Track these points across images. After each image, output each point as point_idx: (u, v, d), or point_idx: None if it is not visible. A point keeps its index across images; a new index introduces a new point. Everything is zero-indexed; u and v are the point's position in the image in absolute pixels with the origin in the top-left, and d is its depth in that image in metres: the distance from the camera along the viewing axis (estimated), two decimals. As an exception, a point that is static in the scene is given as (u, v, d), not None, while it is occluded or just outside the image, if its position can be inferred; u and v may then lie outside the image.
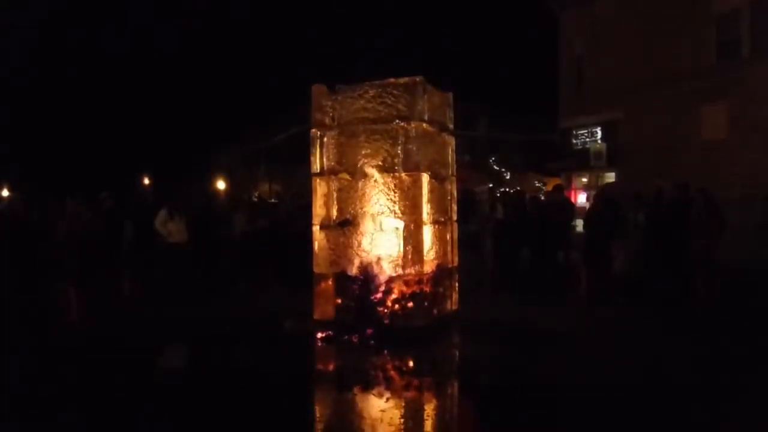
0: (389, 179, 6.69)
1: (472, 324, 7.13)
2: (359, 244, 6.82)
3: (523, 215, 11.23)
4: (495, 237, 11.20)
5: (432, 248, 6.89)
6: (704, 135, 17.28)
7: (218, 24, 60.75)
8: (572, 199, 21.32)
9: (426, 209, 6.70)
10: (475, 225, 10.93)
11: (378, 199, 6.75)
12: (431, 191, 6.86)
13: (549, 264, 10.68)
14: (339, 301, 6.87)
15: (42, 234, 10.20)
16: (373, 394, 5.16)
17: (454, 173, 7.69)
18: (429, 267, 6.76)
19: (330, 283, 6.94)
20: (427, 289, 6.66)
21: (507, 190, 18.06)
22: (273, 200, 19.03)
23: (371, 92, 6.81)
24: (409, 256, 6.56)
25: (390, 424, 4.50)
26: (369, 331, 6.54)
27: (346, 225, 6.89)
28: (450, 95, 7.58)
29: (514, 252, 10.97)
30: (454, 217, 7.63)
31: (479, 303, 8.09)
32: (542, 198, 12.99)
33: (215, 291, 10.39)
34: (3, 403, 4.99)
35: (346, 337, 6.56)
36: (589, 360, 5.94)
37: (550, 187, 15.95)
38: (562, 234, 10.78)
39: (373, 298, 6.65)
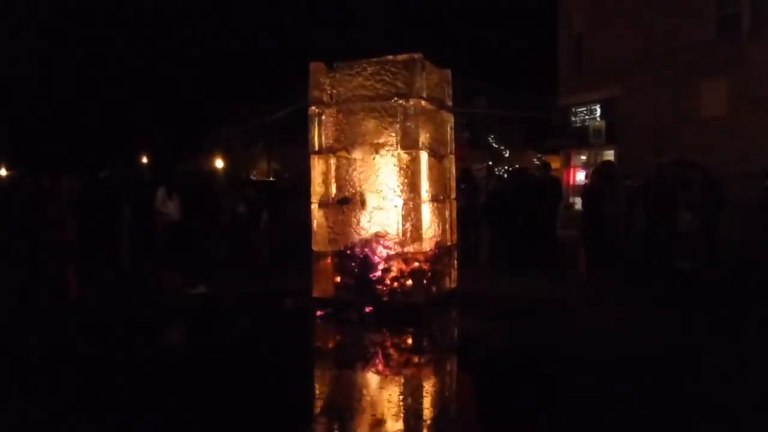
0: (388, 157, 6.68)
1: (470, 301, 7.16)
2: (358, 222, 6.82)
3: (515, 193, 11.23)
4: (487, 213, 11.21)
5: (431, 226, 6.89)
6: (704, 111, 17.18)
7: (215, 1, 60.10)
8: (570, 177, 21.39)
9: (425, 187, 6.69)
10: (464, 202, 10.91)
11: (376, 177, 6.74)
12: (430, 169, 6.85)
13: (542, 241, 10.71)
14: (338, 278, 6.89)
15: (40, 211, 10.17)
16: (372, 371, 5.20)
17: (453, 151, 7.67)
18: (428, 245, 6.78)
19: (329, 260, 6.96)
20: (425, 266, 6.68)
21: (507, 167, 18.02)
22: (271, 178, 18.98)
23: (369, 69, 6.76)
24: (408, 234, 6.57)
25: (389, 401, 4.55)
26: (368, 308, 6.58)
27: (344, 203, 6.88)
28: (449, 72, 7.53)
29: (509, 228, 10.97)
30: (453, 195, 7.63)
31: (477, 280, 8.11)
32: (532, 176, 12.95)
33: (216, 269, 10.41)
34: (6, 384, 5.01)
35: (346, 314, 6.60)
36: (589, 334, 5.95)
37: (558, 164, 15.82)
38: (549, 212, 10.81)
39: (372, 275, 6.67)
